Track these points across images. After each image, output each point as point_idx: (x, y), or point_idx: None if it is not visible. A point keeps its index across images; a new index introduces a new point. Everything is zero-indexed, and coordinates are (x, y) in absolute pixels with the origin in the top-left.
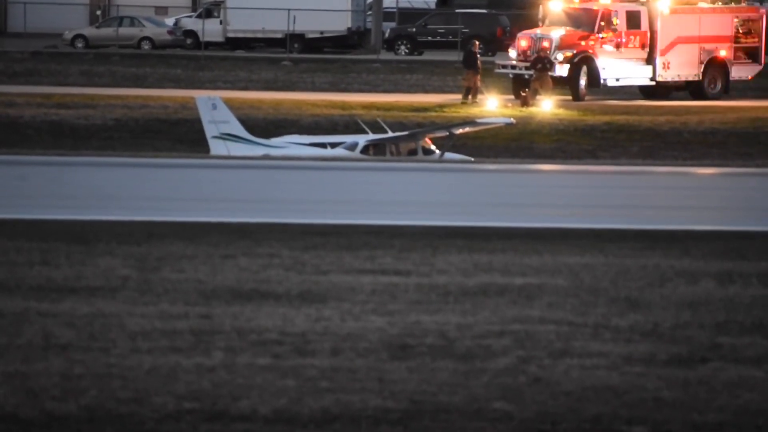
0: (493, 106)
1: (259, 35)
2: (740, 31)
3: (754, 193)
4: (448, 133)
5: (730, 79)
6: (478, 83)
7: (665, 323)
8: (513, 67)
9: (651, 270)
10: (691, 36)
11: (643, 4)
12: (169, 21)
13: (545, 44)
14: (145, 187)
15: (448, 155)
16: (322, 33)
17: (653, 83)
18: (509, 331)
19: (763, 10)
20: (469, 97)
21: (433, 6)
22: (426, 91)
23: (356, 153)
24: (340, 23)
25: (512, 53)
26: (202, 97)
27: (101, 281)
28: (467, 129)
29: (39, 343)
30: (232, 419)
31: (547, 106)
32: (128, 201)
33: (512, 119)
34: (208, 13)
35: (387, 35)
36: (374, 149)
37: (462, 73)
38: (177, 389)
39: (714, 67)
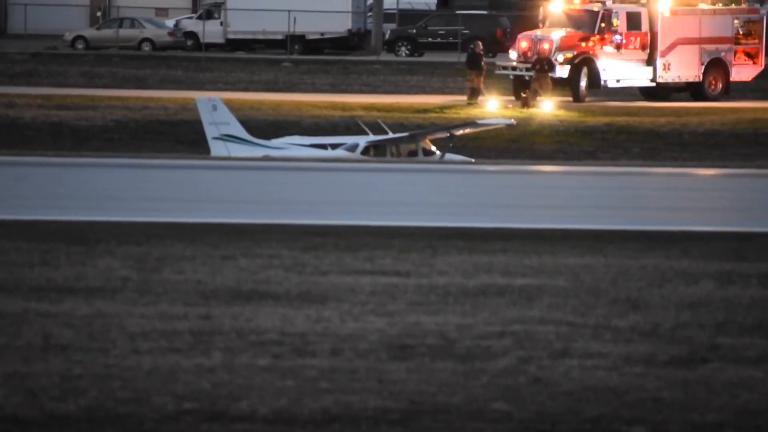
0: (493, 107)
1: (260, 36)
2: (741, 33)
3: (753, 194)
4: (448, 135)
5: (731, 80)
6: (481, 84)
7: (665, 324)
8: (513, 68)
9: (651, 271)
10: (691, 37)
11: (643, 5)
12: (170, 22)
13: (546, 45)
14: (145, 188)
15: (449, 156)
16: (322, 34)
17: (654, 84)
18: (509, 331)
19: (763, 12)
20: (473, 98)
21: (433, 7)
22: (426, 92)
23: (357, 154)
24: (340, 24)
25: (513, 54)
26: (202, 98)
27: (101, 282)
28: (468, 130)
29: (39, 343)
30: (231, 419)
31: (547, 107)
32: (128, 202)
33: (513, 120)
34: (208, 15)
35: (387, 36)
36: (375, 150)
37: (465, 74)
38: (177, 389)
39: (714, 68)
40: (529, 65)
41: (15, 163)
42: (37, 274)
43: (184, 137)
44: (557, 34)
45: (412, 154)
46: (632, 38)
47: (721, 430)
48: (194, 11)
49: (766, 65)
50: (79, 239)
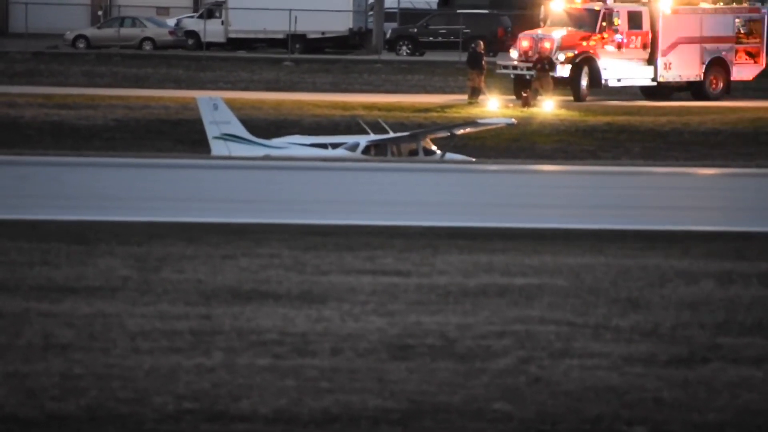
0: (494, 106)
1: (261, 36)
2: (742, 32)
3: (754, 194)
4: (449, 134)
5: (732, 79)
6: (482, 83)
7: (665, 323)
8: (514, 67)
9: (651, 270)
10: (692, 36)
11: (644, 4)
12: (171, 21)
13: (546, 45)
14: (146, 188)
15: (449, 156)
16: (323, 33)
17: (654, 84)
18: (509, 331)
19: (764, 11)
20: (473, 97)
21: (434, 6)
22: (427, 91)
23: (357, 153)
24: (341, 24)
25: (513, 54)
26: (203, 97)
27: (101, 281)
28: (468, 129)
29: (39, 343)
30: (232, 419)
31: (548, 106)
32: (129, 201)
33: (513, 120)
34: (209, 14)
35: (388, 36)
36: (375, 150)
37: (466, 73)
38: (177, 389)
39: (715, 67)
40: (530, 64)
41: (16, 163)
42: (37, 273)
43: (185, 136)
44: (558, 33)
45: (413, 153)
46: (633, 37)
47: (722, 430)
48: (195, 10)
49: (767, 64)
50: (79, 239)
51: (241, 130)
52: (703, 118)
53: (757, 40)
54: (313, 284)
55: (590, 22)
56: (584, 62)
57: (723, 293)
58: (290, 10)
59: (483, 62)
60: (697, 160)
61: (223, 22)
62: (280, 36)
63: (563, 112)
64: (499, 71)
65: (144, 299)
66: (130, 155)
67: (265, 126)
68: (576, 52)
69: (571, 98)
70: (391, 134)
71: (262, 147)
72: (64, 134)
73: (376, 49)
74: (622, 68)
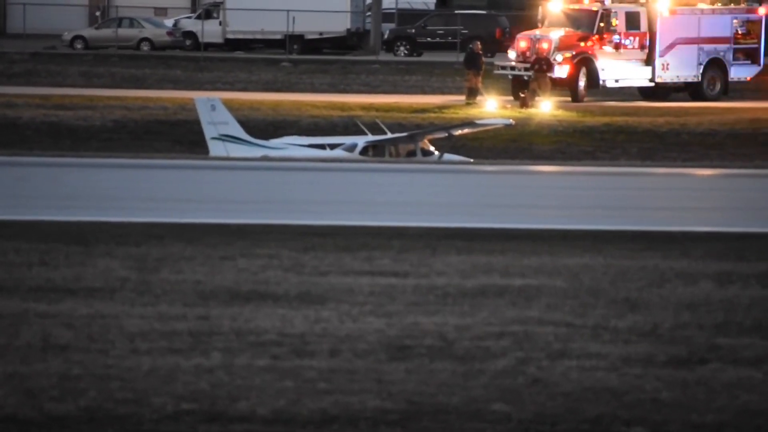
0: (492, 107)
1: (259, 36)
2: (739, 32)
3: (752, 194)
4: (447, 135)
5: (729, 80)
6: (479, 84)
7: (664, 324)
8: (512, 68)
9: (650, 271)
10: (690, 37)
11: (642, 5)
12: (169, 22)
13: (544, 45)
14: (144, 189)
15: (447, 156)
16: (321, 34)
17: (652, 84)
18: (508, 332)
19: (762, 11)
20: (471, 97)
21: (432, 7)
22: (425, 92)
23: (355, 154)
24: (339, 24)
25: (511, 54)
26: (201, 98)
27: (100, 282)
28: (466, 130)
29: (38, 344)
30: (230, 420)
31: (546, 107)
32: (127, 202)
33: (511, 120)
34: (207, 14)
35: (386, 36)
36: (373, 150)
37: (464, 74)
38: (176, 390)
39: (713, 68)
40: (527, 65)
41: (13, 163)
42: (36, 274)
43: (183, 137)
44: (556, 34)
45: (411, 154)
46: (631, 38)
47: (721, 430)
48: (193, 11)
49: (764, 65)
50: (78, 239)
51: (239, 131)
52: (700, 119)
53: (755, 40)
54: (312, 285)
55: (588, 22)
56: (582, 63)
57: (722, 294)
58: (288, 10)
59: (480, 63)
60: (694, 161)
61: (221, 23)
62: (278, 37)
63: (561, 113)
64: (496, 72)
65: (142, 300)
66: (128, 156)
67: (263, 127)
68: (574, 52)
69: (569, 99)
70: (389, 135)
71: (260, 148)
72: (62, 135)
73: (373, 50)
74: (619, 69)
